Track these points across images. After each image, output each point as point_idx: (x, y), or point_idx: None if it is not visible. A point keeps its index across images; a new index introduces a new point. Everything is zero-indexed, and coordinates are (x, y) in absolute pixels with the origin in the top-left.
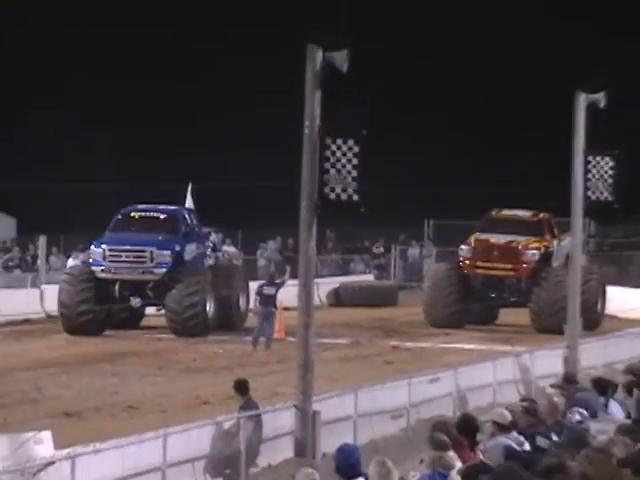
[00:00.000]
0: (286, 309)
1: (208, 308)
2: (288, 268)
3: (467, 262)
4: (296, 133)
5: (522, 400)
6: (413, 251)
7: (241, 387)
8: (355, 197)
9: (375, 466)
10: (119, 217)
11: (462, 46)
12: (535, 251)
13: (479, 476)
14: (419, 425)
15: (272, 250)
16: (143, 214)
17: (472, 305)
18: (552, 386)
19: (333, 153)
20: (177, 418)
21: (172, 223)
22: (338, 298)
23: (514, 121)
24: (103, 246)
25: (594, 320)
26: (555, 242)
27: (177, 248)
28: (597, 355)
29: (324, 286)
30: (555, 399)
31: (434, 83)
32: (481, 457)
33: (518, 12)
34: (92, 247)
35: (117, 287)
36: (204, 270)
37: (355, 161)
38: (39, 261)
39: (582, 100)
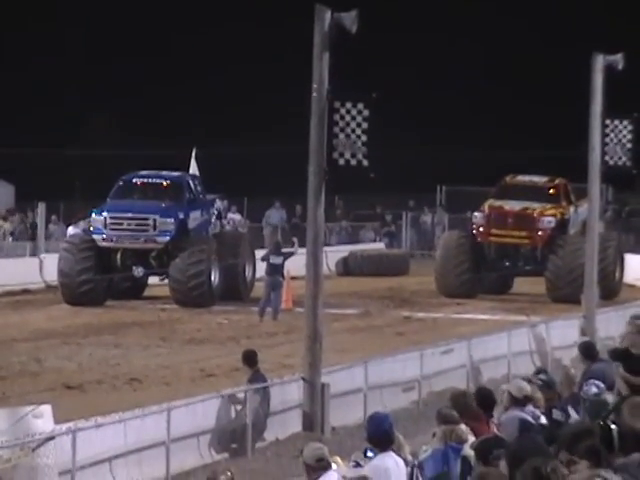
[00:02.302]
0: (294, 278)
1: (213, 277)
2: (295, 240)
3: (481, 230)
4: (304, 96)
5: (537, 372)
6: (425, 218)
7: (249, 358)
8: (365, 162)
9: None
10: (121, 184)
11: (476, 6)
12: (551, 218)
13: (493, 450)
14: (431, 398)
15: (275, 217)
16: (145, 180)
17: (485, 274)
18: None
19: (342, 117)
20: (181, 391)
21: (176, 190)
22: (347, 267)
23: (530, 84)
24: (104, 214)
25: (612, 289)
26: (572, 209)
27: (181, 216)
28: (615, 325)
29: (333, 255)
30: (572, 371)
31: (448, 46)
32: (495, 431)
33: None
34: (93, 215)
35: (119, 256)
36: (209, 238)
37: (365, 125)
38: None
39: (599, 62)
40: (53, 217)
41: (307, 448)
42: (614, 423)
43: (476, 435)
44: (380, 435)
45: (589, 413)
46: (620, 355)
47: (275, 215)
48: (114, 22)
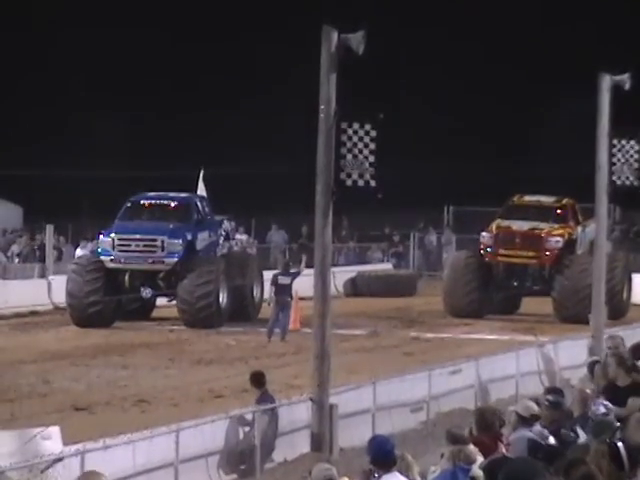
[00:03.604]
0: (302, 299)
1: (221, 298)
2: (304, 257)
3: (488, 250)
4: (312, 117)
5: (548, 391)
6: (431, 239)
7: (257, 379)
8: (372, 183)
9: None
10: (129, 205)
11: (483, 26)
12: (559, 238)
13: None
14: (439, 418)
15: (277, 238)
16: (153, 202)
17: (493, 294)
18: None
19: (349, 138)
20: (190, 412)
21: (183, 211)
22: (355, 287)
23: (537, 104)
24: (112, 235)
25: (620, 309)
26: (579, 229)
27: (189, 237)
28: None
29: (341, 275)
30: (587, 390)
31: (454, 65)
32: (504, 451)
33: None
34: (101, 236)
35: (127, 277)
36: (217, 259)
37: (372, 146)
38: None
39: (606, 81)
40: (60, 239)
41: (315, 469)
42: (621, 441)
43: (487, 455)
44: (384, 456)
45: (593, 433)
46: (605, 388)
47: (276, 236)
48: (124, 33)
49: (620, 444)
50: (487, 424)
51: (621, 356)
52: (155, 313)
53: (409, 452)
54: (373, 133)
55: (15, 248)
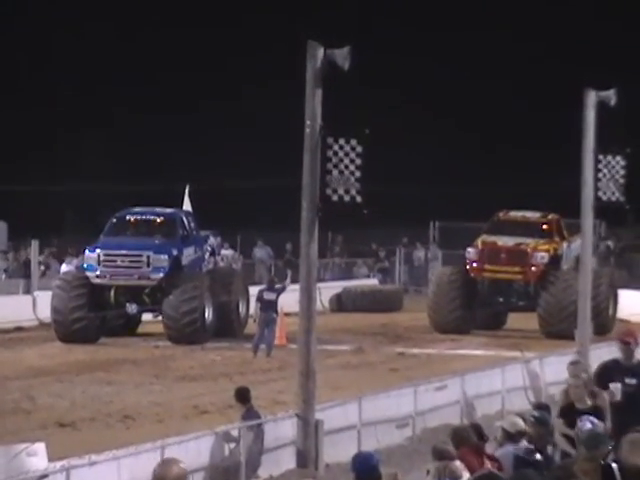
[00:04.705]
0: (287, 315)
1: (206, 314)
2: (289, 273)
3: (474, 265)
4: (297, 132)
5: (536, 406)
6: (418, 254)
7: (242, 395)
8: (358, 199)
9: (384, 478)
10: (114, 221)
11: (468, 44)
12: (544, 254)
13: None
14: (425, 434)
15: (262, 254)
16: (139, 217)
17: (479, 310)
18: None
19: (335, 153)
20: (174, 428)
21: (169, 226)
22: (341, 303)
23: (522, 120)
24: (98, 251)
25: (605, 325)
26: (564, 244)
27: (174, 252)
28: None
29: (326, 291)
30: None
31: (439, 82)
32: (489, 466)
33: (525, 8)
34: (86, 252)
35: (112, 293)
36: (202, 275)
37: (358, 161)
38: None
39: (591, 97)
40: (46, 252)
41: None
42: (614, 462)
43: (473, 471)
44: (369, 472)
45: (586, 446)
46: (563, 410)
47: (261, 252)
48: (111, 50)
49: (615, 465)
50: (462, 438)
51: (587, 379)
52: (140, 329)
53: (395, 468)
54: (359, 148)
55: (1, 264)
